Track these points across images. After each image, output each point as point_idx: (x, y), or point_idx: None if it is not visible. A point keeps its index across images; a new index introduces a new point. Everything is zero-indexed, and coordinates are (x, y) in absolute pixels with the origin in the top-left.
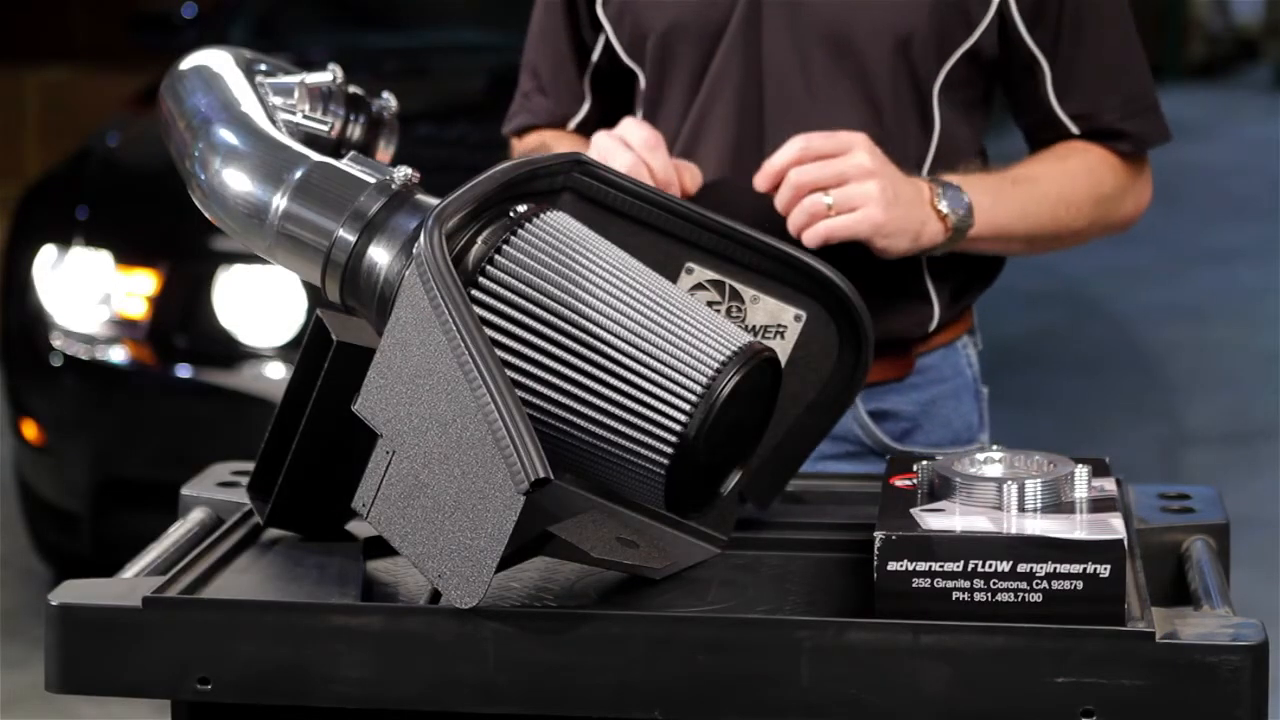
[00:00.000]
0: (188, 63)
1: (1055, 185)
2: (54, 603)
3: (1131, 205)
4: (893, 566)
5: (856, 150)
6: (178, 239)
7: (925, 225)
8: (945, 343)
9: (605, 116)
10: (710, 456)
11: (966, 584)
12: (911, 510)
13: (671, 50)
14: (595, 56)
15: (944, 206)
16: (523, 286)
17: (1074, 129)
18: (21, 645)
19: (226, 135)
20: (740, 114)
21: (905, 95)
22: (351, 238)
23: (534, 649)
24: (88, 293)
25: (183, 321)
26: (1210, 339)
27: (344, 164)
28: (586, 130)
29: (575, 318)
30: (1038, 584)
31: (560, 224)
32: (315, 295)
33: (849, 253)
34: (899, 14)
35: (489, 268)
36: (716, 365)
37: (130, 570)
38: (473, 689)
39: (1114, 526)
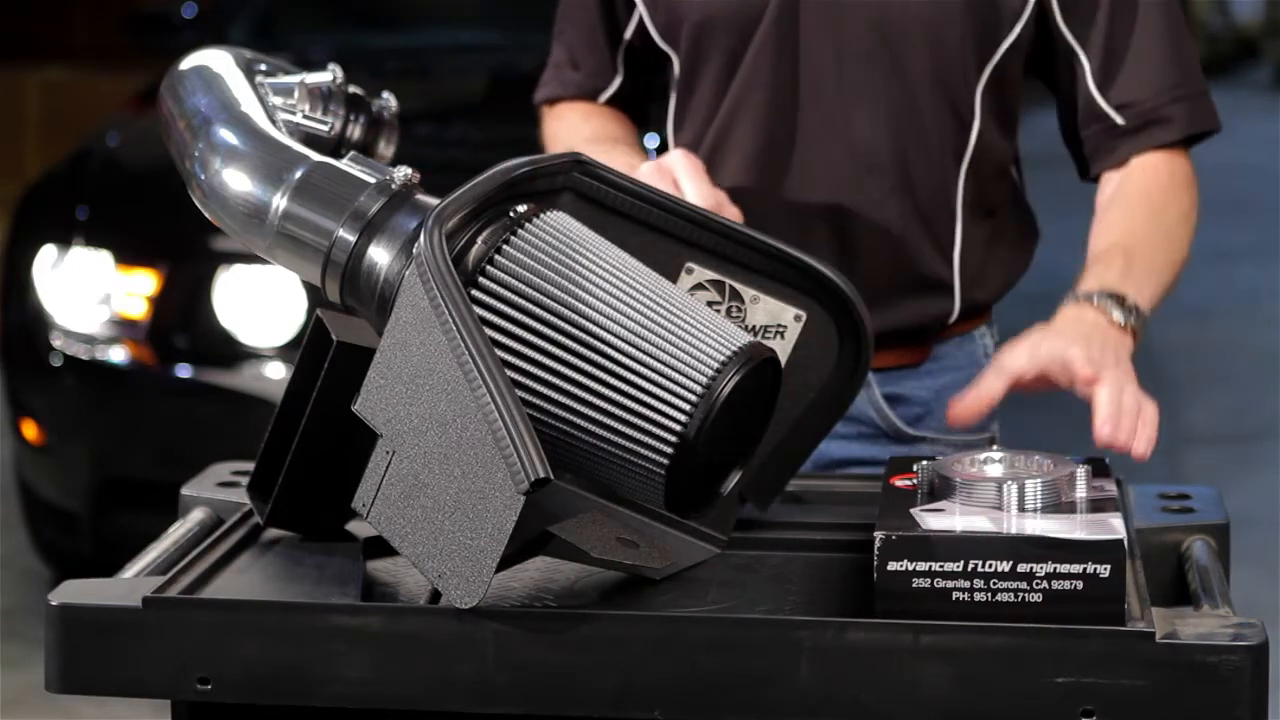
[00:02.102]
0: (188, 63)
1: (1157, 232)
2: (54, 603)
3: (1197, 213)
4: (893, 566)
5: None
6: (178, 239)
7: (1122, 345)
8: (963, 332)
9: (637, 92)
10: (710, 456)
11: (966, 584)
12: (911, 510)
13: (706, 39)
14: (628, 35)
15: (1119, 318)
16: (523, 286)
17: (1119, 120)
18: (21, 645)
19: (226, 135)
20: (774, 106)
21: (941, 93)
22: (351, 238)
23: (534, 649)
24: (88, 293)
25: (183, 321)
26: (1210, 339)
27: (344, 164)
28: (618, 103)
29: (575, 318)
30: (1038, 584)
31: (560, 224)
32: (315, 295)
33: (874, 244)
34: (933, 13)
35: (489, 268)
36: (716, 365)
37: (130, 570)
38: (473, 689)
39: (1114, 526)
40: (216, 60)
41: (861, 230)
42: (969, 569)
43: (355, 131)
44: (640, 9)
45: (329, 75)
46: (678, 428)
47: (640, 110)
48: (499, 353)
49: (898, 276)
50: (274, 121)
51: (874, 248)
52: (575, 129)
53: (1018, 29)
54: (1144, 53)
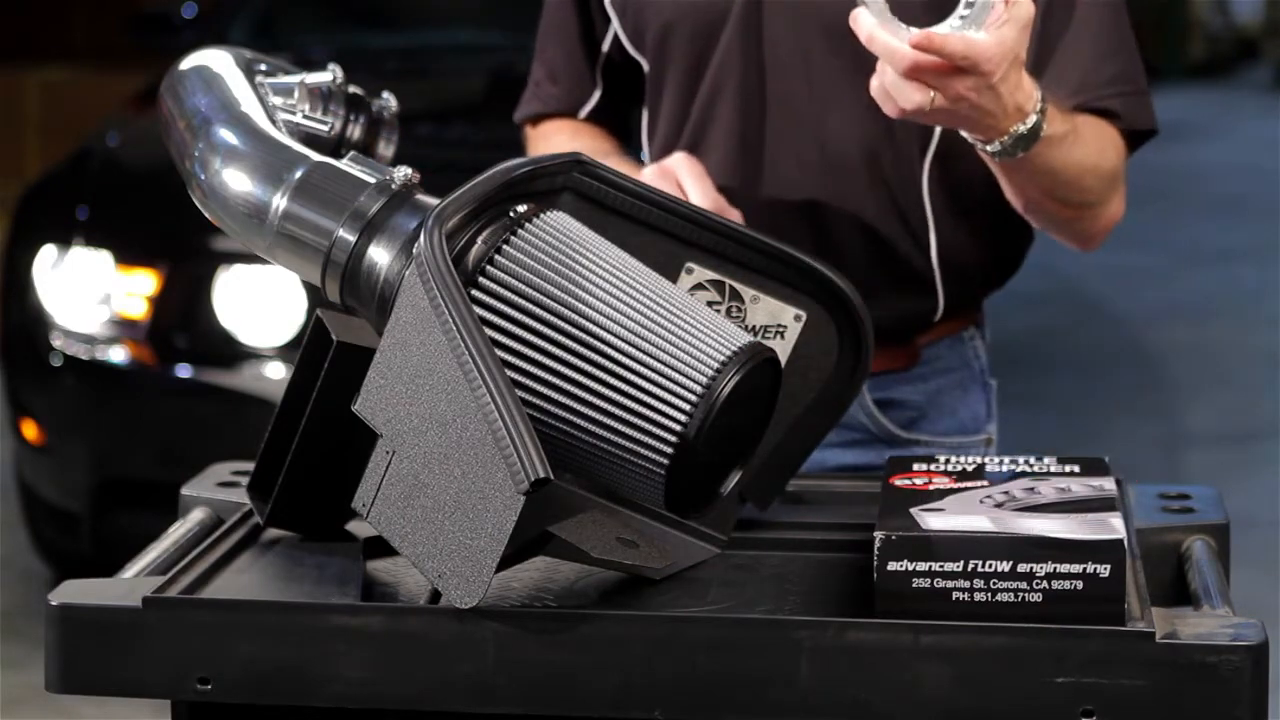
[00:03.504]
0: (188, 63)
1: (1094, 144)
2: (54, 603)
3: (1117, 203)
4: (893, 566)
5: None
6: (178, 239)
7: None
8: (952, 334)
9: (616, 105)
10: (710, 456)
11: (966, 584)
12: (911, 510)
13: (668, 44)
14: (605, 47)
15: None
16: (523, 286)
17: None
18: (21, 645)
19: (226, 135)
20: (744, 109)
21: None
22: (351, 238)
23: (534, 649)
24: (88, 293)
25: (183, 321)
26: (1210, 339)
27: (344, 164)
28: (598, 118)
29: (575, 318)
30: (1038, 584)
31: (560, 224)
32: (315, 295)
33: (853, 241)
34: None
35: (489, 268)
36: (716, 365)
37: (130, 570)
38: (473, 689)
39: (1114, 526)
40: (216, 60)
41: (838, 228)
42: (969, 569)
43: (355, 131)
44: (612, 17)
45: (329, 75)
46: (678, 428)
47: (622, 125)
48: (499, 353)
49: (878, 272)
50: (274, 121)
51: (852, 245)
52: (563, 149)
53: None
54: (1093, 48)
